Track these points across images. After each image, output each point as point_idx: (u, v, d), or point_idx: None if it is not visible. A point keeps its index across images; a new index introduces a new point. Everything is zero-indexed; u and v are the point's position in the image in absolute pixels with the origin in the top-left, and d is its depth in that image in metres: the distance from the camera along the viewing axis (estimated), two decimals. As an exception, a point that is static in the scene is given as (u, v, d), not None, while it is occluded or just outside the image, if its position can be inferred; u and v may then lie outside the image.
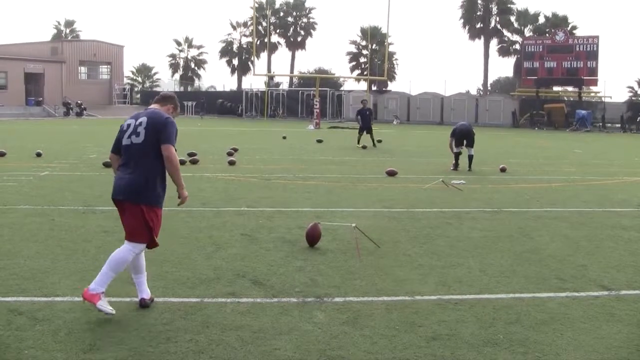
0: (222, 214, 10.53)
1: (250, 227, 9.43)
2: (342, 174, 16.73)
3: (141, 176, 5.58)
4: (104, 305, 5.40)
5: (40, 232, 8.77)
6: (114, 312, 5.45)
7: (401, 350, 4.94)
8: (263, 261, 7.51)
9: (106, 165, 16.71)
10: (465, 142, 18.15)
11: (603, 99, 59.45)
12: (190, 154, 19.14)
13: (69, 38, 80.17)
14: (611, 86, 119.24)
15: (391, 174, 16.44)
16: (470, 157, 18.30)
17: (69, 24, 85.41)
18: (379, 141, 27.93)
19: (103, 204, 10.73)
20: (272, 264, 7.38)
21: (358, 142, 27.10)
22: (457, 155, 18.18)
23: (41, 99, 61.69)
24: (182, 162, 17.91)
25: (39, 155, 19.60)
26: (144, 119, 5.64)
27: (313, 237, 8.30)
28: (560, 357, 4.90)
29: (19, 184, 13.49)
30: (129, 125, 5.71)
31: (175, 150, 5.62)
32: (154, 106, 5.88)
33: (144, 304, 5.77)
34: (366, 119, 27.20)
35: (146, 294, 5.84)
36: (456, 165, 18.14)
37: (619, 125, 53.88)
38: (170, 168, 5.61)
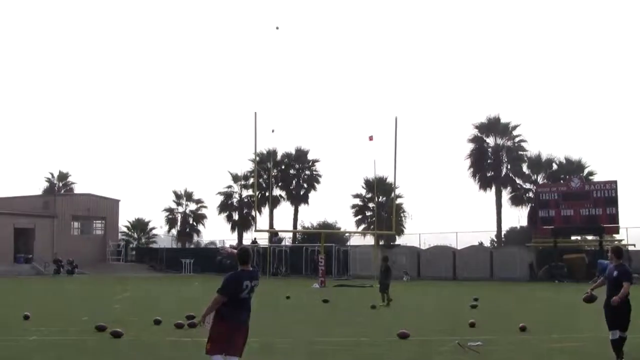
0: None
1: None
2: (349, 337, 16.57)
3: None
4: None
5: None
6: None
7: None
8: None
9: (99, 329, 16.54)
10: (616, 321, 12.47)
11: (627, 247, 59.24)
12: (189, 317, 18.94)
13: (62, 192, 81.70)
14: (635, 233, 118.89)
15: (403, 336, 16.29)
16: (620, 340, 12.56)
17: (63, 177, 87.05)
18: (390, 300, 27.86)
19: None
20: None
21: (383, 301, 27.32)
22: (616, 344, 12.54)
23: (31, 256, 61.98)
24: (180, 326, 17.79)
25: (26, 318, 19.48)
26: (255, 282, 9.05)
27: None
28: None
29: (3, 350, 13.35)
30: (246, 286, 8.86)
31: (222, 294, 8.81)
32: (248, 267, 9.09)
33: None
34: (382, 276, 28.03)
35: None
36: (619, 355, 12.50)
37: (646, 275, 53.38)
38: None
